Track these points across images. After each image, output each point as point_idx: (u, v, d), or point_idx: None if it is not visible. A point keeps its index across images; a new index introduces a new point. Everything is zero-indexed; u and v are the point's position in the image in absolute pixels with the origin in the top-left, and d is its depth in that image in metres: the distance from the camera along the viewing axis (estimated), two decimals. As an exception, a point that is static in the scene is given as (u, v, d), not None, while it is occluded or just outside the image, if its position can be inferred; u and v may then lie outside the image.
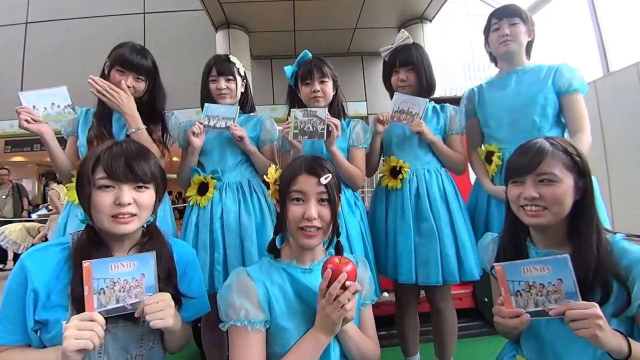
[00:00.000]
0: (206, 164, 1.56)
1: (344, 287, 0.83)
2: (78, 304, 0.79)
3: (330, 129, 1.39)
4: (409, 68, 1.61)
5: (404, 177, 1.56)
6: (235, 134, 1.48)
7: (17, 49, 7.44)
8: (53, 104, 1.32)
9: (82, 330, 0.71)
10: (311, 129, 1.41)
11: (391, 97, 1.68)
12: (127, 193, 0.84)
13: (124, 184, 0.84)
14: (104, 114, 1.42)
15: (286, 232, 0.99)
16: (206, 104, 1.52)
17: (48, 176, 5.37)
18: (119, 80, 1.37)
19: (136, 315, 0.80)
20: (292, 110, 1.46)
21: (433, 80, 1.64)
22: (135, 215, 0.86)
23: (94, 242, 0.87)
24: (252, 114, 1.71)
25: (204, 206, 1.49)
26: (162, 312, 0.80)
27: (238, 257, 1.44)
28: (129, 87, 1.38)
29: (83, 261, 0.77)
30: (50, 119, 1.33)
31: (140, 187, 0.87)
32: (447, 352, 1.63)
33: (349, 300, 0.84)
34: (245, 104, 1.69)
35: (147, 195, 0.89)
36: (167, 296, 0.83)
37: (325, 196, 0.94)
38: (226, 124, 1.49)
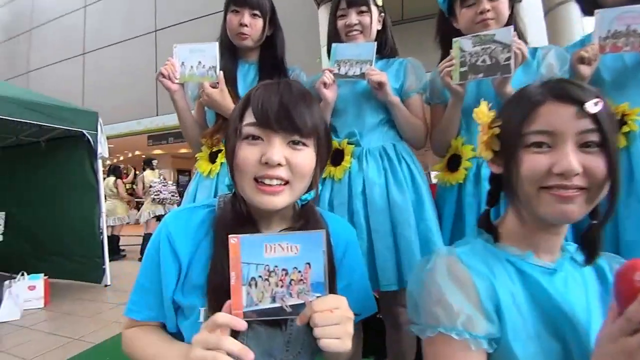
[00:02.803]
0: (339, 126, 1.26)
1: None
2: (216, 295, 0.58)
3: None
4: None
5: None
6: (373, 79, 1.13)
7: (150, 55, 8.50)
8: (200, 62, 1.21)
9: (207, 348, 0.49)
10: (488, 62, 1.01)
11: None
12: (279, 148, 0.61)
13: (275, 134, 0.61)
14: (227, 70, 1.25)
15: (514, 197, 0.60)
16: (334, 45, 1.22)
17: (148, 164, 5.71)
18: (236, 23, 1.22)
19: (299, 323, 0.54)
20: (455, 40, 1.07)
21: None
22: (287, 183, 0.63)
23: (239, 216, 0.67)
24: (392, 58, 1.33)
25: (340, 179, 1.20)
26: (337, 327, 0.52)
27: (389, 247, 1.12)
28: (245, 25, 1.22)
29: (230, 235, 0.54)
30: (193, 79, 1.22)
31: (297, 142, 0.63)
32: None
33: None
34: (384, 46, 1.30)
35: (305, 156, 0.64)
36: (343, 302, 0.55)
37: (593, 137, 0.53)
38: (361, 69, 1.17)
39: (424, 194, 1.16)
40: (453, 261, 0.60)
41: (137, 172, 6.09)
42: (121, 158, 11.08)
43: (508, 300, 0.56)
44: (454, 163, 1.18)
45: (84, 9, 9.59)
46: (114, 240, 5.09)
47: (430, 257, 0.64)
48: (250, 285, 0.53)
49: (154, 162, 5.82)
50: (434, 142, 1.26)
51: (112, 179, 5.35)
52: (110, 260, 3.72)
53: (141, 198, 5.80)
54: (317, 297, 0.54)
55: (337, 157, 1.22)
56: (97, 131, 3.55)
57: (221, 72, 1.19)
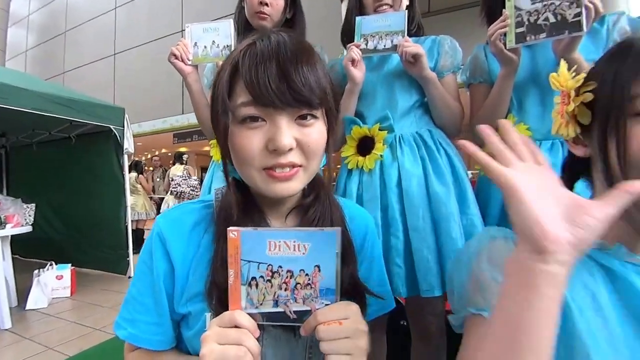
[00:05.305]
0: (367, 111, 1.14)
1: None
2: (217, 295, 0.52)
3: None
4: None
5: None
6: (408, 51, 1.02)
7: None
8: (214, 42, 1.16)
9: (226, 344, 0.43)
10: (552, 19, 0.87)
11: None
12: (286, 129, 0.50)
13: (279, 112, 0.50)
14: None
15: (611, 179, 0.47)
16: (359, 18, 1.10)
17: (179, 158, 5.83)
18: (256, 1, 1.14)
19: (302, 333, 0.49)
20: None
21: None
22: (300, 166, 0.53)
23: (243, 203, 0.57)
24: (422, 36, 1.20)
25: (370, 170, 1.09)
26: (347, 341, 0.46)
27: (430, 246, 1.00)
28: (266, 4, 1.14)
29: (229, 229, 0.47)
30: (207, 60, 1.18)
31: (305, 117, 0.51)
32: None
33: None
34: (411, 23, 1.15)
35: (317, 132, 0.53)
36: (354, 312, 0.48)
37: None
38: (392, 41, 1.06)
39: (466, 185, 1.04)
40: (500, 243, 0.51)
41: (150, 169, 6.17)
42: (149, 156, 11.35)
43: (582, 296, 0.45)
44: None
45: (114, 11, 9.86)
46: (138, 234, 5.17)
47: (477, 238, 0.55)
48: (250, 285, 0.48)
49: (184, 157, 5.90)
50: (476, 125, 1.14)
51: (134, 174, 5.44)
52: (134, 253, 3.77)
53: (151, 194, 5.91)
54: (326, 305, 0.48)
55: (366, 146, 1.11)
56: (123, 127, 3.60)
57: None
